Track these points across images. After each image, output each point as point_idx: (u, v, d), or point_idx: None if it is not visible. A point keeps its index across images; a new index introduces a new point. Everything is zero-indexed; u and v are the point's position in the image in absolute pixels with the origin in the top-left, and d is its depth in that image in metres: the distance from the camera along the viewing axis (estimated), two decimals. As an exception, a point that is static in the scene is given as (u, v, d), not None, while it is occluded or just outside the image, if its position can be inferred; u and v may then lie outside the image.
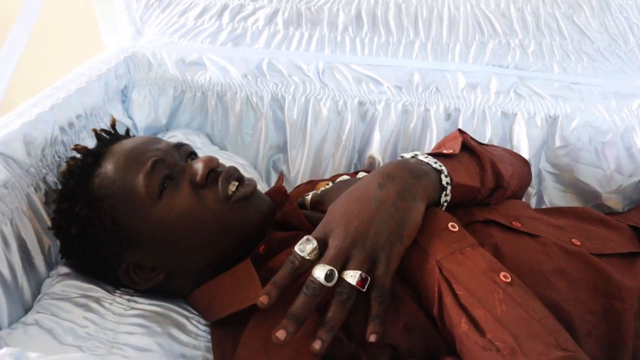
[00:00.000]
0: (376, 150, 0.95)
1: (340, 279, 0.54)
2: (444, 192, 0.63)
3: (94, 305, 0.62)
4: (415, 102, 0.93)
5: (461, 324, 0.53)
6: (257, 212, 0.65)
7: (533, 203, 0.99)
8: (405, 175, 0.61)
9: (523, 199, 0.96)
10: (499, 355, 0.50)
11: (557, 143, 0.95)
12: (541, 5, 0.91)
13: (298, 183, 0.96)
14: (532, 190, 0.98)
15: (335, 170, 0.97)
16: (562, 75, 0.95)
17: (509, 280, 0.55)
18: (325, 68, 0.94)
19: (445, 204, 0.64)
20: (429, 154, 0.66)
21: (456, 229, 0.59)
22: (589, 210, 0.80)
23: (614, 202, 0.97)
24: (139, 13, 1.01)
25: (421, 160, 0.64)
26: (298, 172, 0.98)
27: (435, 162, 0.64)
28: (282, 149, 0.99)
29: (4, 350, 0.37)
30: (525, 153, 0.94)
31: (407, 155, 0.67)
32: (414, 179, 0.61)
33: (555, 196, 0.99)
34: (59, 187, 0.67)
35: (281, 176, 0.82)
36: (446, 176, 0.63)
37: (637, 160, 0.94)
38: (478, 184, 0.67)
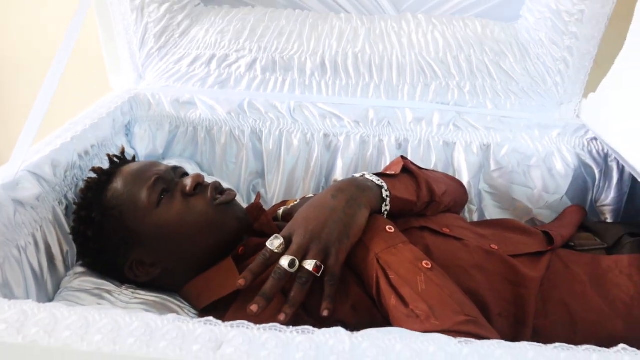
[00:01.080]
0: (339, 175, 1.09)
1: (301, 267, 0.68)
2: (384, 203, 0.78)
3: (106, 295, 0.76)
4: (371, 134, 1.09)
5: (391, 300, 0.67)
6: (236, 217, 0.80)
7: (475, 218, 1.13)
8: (353, 189, 0.76)
9: (467, 215, 1.13)
10: (418, 320, 0.64)
11: (492, 167, 1.10)
12: (473, 54, 1.07)
13: (274, 203, 1.10)
14: (473, 207, 1.13)
15: (306, 192, 1.11)
16: (494, 111, 1.10)
17: (429, 266, 0.69)
18: (295, 106, 1.09)
19: (386, 212, 0.79)
20: (374, 174, 0.81)
21: (392, 230, 0.74)
22: (512, 221, 0.96)
23: (545, 217, 1.11)
24: (141, 61, 1.15)
25: (367, 178, 0.80)
26: (274, 194, 1.12)
27: (378, 180, 0.79)
28: (261, 174, 1.13)
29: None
30: (465, 176, 1.10)
31: (357, 175, 0.82)
32: (360, 192, 0.76)
33: (493, 213, 1.13)
34: (78, 200, 0.81)
35: (258, 195, 0.97)
36: (386, 190, 0.78)
37: (558, 180, 1.09)
38: (414, 198, 0.82)
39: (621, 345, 0.49)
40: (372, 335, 0.48)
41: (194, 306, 0.79)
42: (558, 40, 1.05)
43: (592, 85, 1.09)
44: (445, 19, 1.10)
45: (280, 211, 0.91)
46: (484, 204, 1.13)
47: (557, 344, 0.48)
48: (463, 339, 0.48)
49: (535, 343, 0.49)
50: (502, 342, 0.48)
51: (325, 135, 1.10)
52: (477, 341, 0.48)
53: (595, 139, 1.08)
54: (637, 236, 0.89)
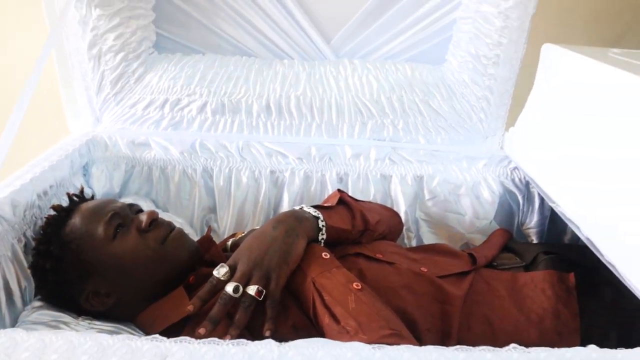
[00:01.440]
0: (286, 208, 1.16)
1: (244, 292, 0.75)
2: (321, 232, 0.86)
3: (63, 326, 0.80)
4: (314, 169, 1.17)
5: (325, 318, 0.74)
6: (186, 250, 0.87)
7: (414, 243, 1.21)
8: (291, 220, 0.84)
9: (405, 241, 1.21)
10: (347, 335, 0.70)
11: (426, 196, 1.19)
12: (404, 94, 1.17)
13: (226, 235, 1.16)
14: (411, 234, 1.21)
15: (255, 224, 1.17)
16: (426, 145, 1.20)
17: (359, 287, 0.77)
18: (244, 146, 1.17)
19: (323, 240, 0.86)
20: (313, 206, 0.89)
21: (327, 257, 0.82)
22: (442, 246, 1.05)
23: (477, 240, 1.20)
24: (98, 106, 1.21)
25: (305, 210, 0.87)
26: (226, 227, 1.18)
27: (315, 211, 0.87)
28: (213, 209, 1.19)
29: None
30: (402, 206, 1.18)
31: (297, 207, 0.90)
32: (298, 223, 0.83)
33: (430, 238, 1.21)
34: (37, 236, 0.86)
35: (209, 229, 1.03)
36: (322, 221, 0.86)
37: (486, 207, 1.18)
38: (349, 227, 0.90)
39: (512, 345, 0.57)
40: (298, 344, 0.55)
41: (148, 333, 0.84)
42: (479, 81, 1.16)
43: (513, 119, 1.20)
44: (379, 64, 1.20)
45: (229, 242, 0.97)
46: (421, 231, 1.22)
47: (457, 346, 0.56)
48: (377, 344, 0.55)
49: (439, 346, 0.56)
50: (411, 346, 0.56)
51: (272, 172, 1.17)
52: (389, 346, 0.55)
53: (517, 168, 1.18)
54: (551, 254, 0.99)
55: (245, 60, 1.23)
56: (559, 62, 0.99)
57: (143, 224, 0.84)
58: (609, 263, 0.80)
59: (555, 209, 0.96)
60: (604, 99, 0.83)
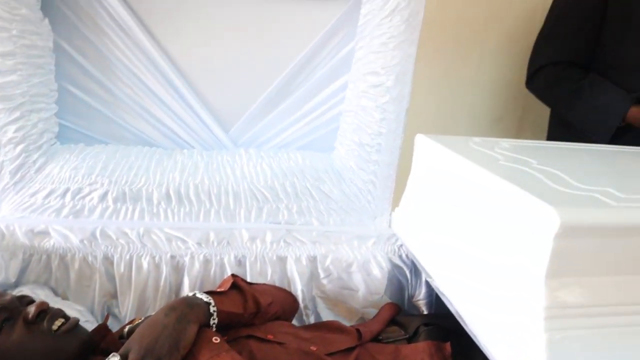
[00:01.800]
0: (186, 292, 1.19)
1: (136, 381, 0.78)
2: (212, 317, 0.90)
3: None
4: (213, 253, 1.21)
5: None
6: (78, 341, 0.88)
7: (312, 320, 1.27)
8: (183, 307, 0.87)
9: (304, 318, 1.26)
10: None
11: (321, 275, 1.26)
12: (296, 180, 1.26)
13: (127, 321, 1.17)
14: (309, 312, 1.27)
15: (156, 309, 1.18)
16: (319, 227, 1.28)
17: (245, 368, 0.81)
18: (144, 232, 1.20)
19: (214, 325, 0.90)
20: (205, 292, 0.94)
21: (217, 341, 0.86)
22: (333, 323, 1.11)
23: (372, 315, 1.27)
24: (-4, 195, 1.22)
25: (197, 296, 0.92)
26: (127, 313, 1.19)
27: (207, 297, 0.91)
28: (114, 295, 1.20)
29: None
30: (298, 285, 1.24)
31: (190, 294, 0.94)
32: (189, 309, 0.87)
33: (328, 315, 1.27)
34: None
35: (107, 316, 1.05)
36: (213, 306, 0.90)
37: (377, 282, 1.26)
38: (241, 311, 0.95)
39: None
40: None
41: None
42: (364, 167, 1.27)
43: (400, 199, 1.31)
44: (272, 152, 1.29)
45: (126, 329, 0.99)
46: (318, 308, 1.27)
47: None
48: None
49: None
50: None
51: (172, 257, 1.20)
52: None
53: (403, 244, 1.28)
54: (431, 325, 1.07)
55: (147, 150, 1.28)
56: (427, 151, 1.11)
57: (30, 316, 0.85)
58: (473, 334, 0.89)
59: (430, 283, 1.05)
60: (459, 187, 0.95)
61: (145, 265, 1.19)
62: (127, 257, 1.19)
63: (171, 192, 1.22)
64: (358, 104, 1.21)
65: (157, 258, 1.20)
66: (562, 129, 1.86)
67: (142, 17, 1.20)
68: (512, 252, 0.77)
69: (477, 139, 1.17)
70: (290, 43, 1.24)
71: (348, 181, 1.29)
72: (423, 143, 1.13)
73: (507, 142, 1.17)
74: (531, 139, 2.21)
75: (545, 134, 1.99)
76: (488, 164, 0.91)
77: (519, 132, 2.28)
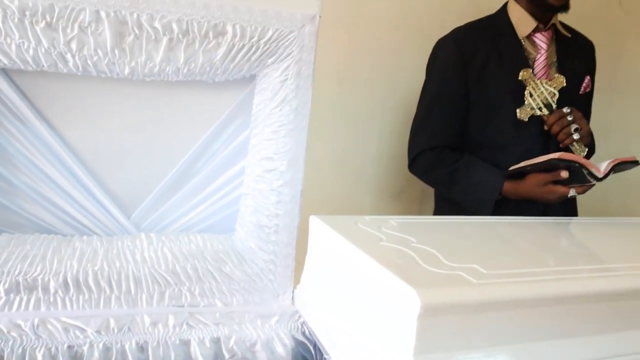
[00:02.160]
0: (84, 382, 1.16)
1: None
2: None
3: None
4: (113, 340, 1.19)
5: None
6: None
7: (217, 404, 1.26)
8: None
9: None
10: None
11: (226, 356, 1.26)
12: (197, 263, 1.27)
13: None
14: (214, 393, 1.27)
15: (51, 403, 1.15)
16: (222, 308, 1.29)
17: None
18: (39, 323, 1.16)
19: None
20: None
21: None
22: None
23: (278, 394, 1.28)
24: None
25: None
26: (19, 410, 1.14)
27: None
28: (5, 392, 1.16)
29: None
30: (203, 367, 1.24)
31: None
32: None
33: (233, 396, 1.28)
34: None
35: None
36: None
37: (281, 360, 1.29)
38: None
39: None
40: None
41: None
42: (264, 247, 1.30)
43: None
44: (173, 236, 1.30)
45: None
46: (225, 389, 1.27)
47: None
48: None
49: None
50: None
51: (70, 347, 1.17)
52: None
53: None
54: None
55: (43, 238, 1.26)
56: (319, 231, 1.17)
57: None
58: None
59: (327, 360, 1.09)
60: (343, 268, 1.00)
61: (39, 357, 1.15)
62: (19, 350, 1.15)
63: (69, 280, 1.20)
64: (255, 187, 1.26)
65: (53, 349, 1.16)
66: (446, 202, 2.01)
67: (39, 106, 1.21)
68: (386, 331, 0.83)
69: (367, 218, 1.24)
70: (189, 129, 1.28)
71: (249, 261, 1.32)
72: (315, 224, 1.19)
73: (396, 220, 1.24)
74: (432, 201, 2.35)
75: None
76: (368, 245, 0.97)
77: (422, 201, 2.41)
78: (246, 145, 1.28)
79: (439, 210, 2.04)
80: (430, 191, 2.37)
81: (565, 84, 1.75)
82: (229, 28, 1.09)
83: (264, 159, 1.24)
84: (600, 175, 1.50)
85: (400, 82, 2.27)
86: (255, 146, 1.25)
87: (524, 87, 1.75)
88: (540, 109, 1.72)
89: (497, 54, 1.81)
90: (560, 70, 1.82)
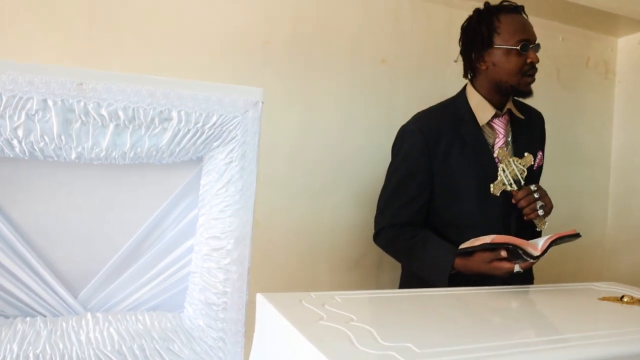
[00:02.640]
0: None
1: None
2: None
3: None
4: None
5: None
6: None
7: None
8: None
9: None
10: None
11: None
12: (144, 342, 1.25)
13: None
14: None
15: None
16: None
17: None
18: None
19: None
20: None
21: None
22: None
23: None
24: None
25: None
26: None
27: None
28: None
29: None
30: None
31: None
32: None
33: None
34: None
35: None
36: None
37: None
38: None
39: None
40: None
41: None
42: (213, 325, 1.29)
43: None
44: (120, 315, 1.29)
45: None
46: None
47: None
48: None
49: None
50: None
51: None
52: None
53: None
54: None
55: (-15, 320, 1.23)
56: (264, 309, 1.17)
57: None
58: None
59: None
60: (284, 346, 1.01)
61: None
62: None
63: (9, 364, 1.17)
64: (203, 265, 1.27)
65: None
66: (409, 271, 2.05)
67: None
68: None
69: (313, 295, 1.25)
70: (138, 209, 1.30)
71: (198, 339, 1.30)
72: (261, 302, 1.19)
73: (341, 296, 1.26)
74: (390, 276, 2.37)
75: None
76: (307, 324, 0.98)
77: (379, 271, 2.43)
78: (194, 224, 1.30)
79: (404, 278, 2.07)
80: (388, 260, 2.41)
81: (532, 163, 1.87)
82: (175, 114, 1.13)
83: (211, 238, 1.25)
84: (536, 254, 1.56)
85: (352, 157, 2.34)
86: (203, 225, 1.27)
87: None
88: (510, 184, 1.81)
89: (460, 140, 1.91)
90: (516, 151, 1.93)
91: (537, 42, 1.86)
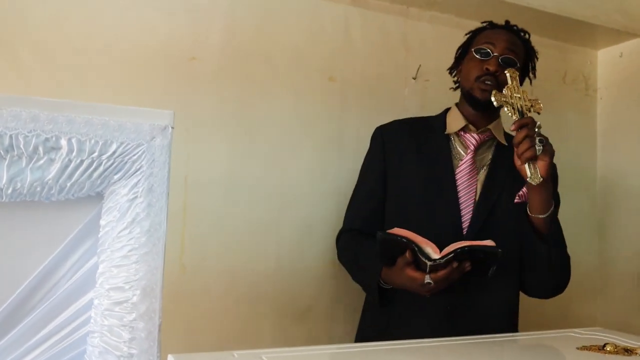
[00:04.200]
0: None
1: None
2: None
3: None
4: None
5: None
6: None
7: None
8: None
9: None
10: None
11: None
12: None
13: None
14: None
15: None
16: None
17: None
18: None
19: None
20: None
21: None
22: None
23: None
24: None
25: None
26: None
27: None
28: None
29: None
30: None
31: None
32: None
33: None
34: None
35: None
36: None
37: None
38: None
39: None
40: None
41: None
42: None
43: None
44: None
45: None
46: None
47: None
48: None
49: None
50: None
51: None
52: None
53: None
54: None
55: None
56: (176, 375, 1.13)
57: None
58: None
59: None
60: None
61: None
62: None
63: None
64: (103, 323, 1.21)
65: None
66: (366, 320, 2.06)
67: None
68: None
69: (237, 354, 1.21)
70: (26, 256, 1.24)
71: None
72: (173, 365, 1.15)
73: (270, 355, 1.22)
74: (344, 321, 2.34)
75: (358, 314, 2.12)
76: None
77: (332, 317, 2.39)
78: (94, 273, 1.25)
79: (362, 327, 2.07)
80: (343, 305, 2.38)
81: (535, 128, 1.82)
82: (64, 142, 1.09)
83: (113, 289, 1.20)
84: (435, 257, 1.53)
85: (295, 188, 2.32)
86: (104, 274, 1.22)
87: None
88: (514, 108, 1.78)
89: (419, 147, 2.01)
90: (489, 178, 1.94)
91: (511, 57, 1.95)
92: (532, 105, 1.83)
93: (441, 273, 1.59)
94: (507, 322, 2.01)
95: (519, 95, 1.83)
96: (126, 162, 1.15)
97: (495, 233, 1.78)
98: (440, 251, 1.61)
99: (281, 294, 2.28)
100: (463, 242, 1.59)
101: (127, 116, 1.14)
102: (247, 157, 2.24)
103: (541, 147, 1.73)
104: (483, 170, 2.00)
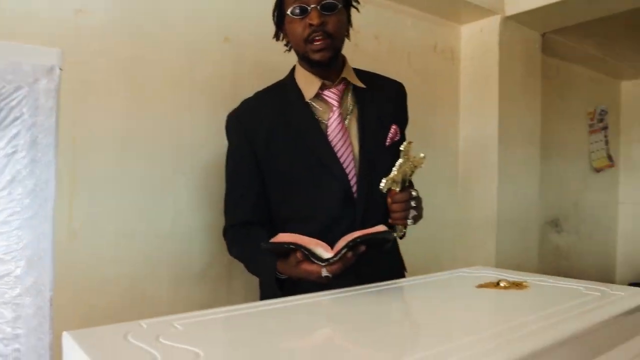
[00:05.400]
0: None
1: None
2: None
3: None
4: None
5: None
6: None
7: None
8: None
9: None
10: None
11: None
12: None
13: None
14: None
15: None
16: None
17: None
18: None
19: None
20: None
21: None
22: None
23: None
24: None
25: None
26: None
27: None
28: None
29: None
30: None
31: None
32: None
33: None
34: None
35: None
36: None
37: None
38: None
39: None
40: None
41: None
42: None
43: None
44: None
45: None
46: None
47: None
48: None
49: None
50: None
51: None
52: None
53: None
54: None
55: None
56: (73, 355, 0.86)
57: None
58: None
59: None
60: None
61: None
62: None
63: None
64: (-19, 301, 0.91)
65: None
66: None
67: None
68: None
69: (144, 324, 0.97)
70: None
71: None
72: (68, 344, 0.88)
73: (183, 322, 0.99)
74: (245, 285, 2.12)
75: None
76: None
77: (230, 278, 2.17)
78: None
79: (265, 285, 1.81)
80: (241, 267, 2.15)
81: (422, 163, 1.59)
82: None
83: (-10, 261, 0.90)
84: (326, 256, 1.37)
85: (194, 146, 2.05)
86: (-21, 243, 0.91)
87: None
88: (397, 183, 1.57)
89: (283, 122, 1.69)
90: (360, 120, 1.72)
91: (330, 2, 1.58)
92: (415, 167, 1.58)
93: (337, 266, 1.38)
94: (398, 268, 1.89)
95: (410, 164, 1.56)
96: (1, 109, 0.85)
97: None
98: (332, 245, 1.41)
99: (177, 256, 2.01)
100: (354, 233, 1.40)
101: (3, 53, 0.83)
102: (140, 116, 1.92)
103: (412, 221, 1.59)
104: (351, 121, 1.73)
